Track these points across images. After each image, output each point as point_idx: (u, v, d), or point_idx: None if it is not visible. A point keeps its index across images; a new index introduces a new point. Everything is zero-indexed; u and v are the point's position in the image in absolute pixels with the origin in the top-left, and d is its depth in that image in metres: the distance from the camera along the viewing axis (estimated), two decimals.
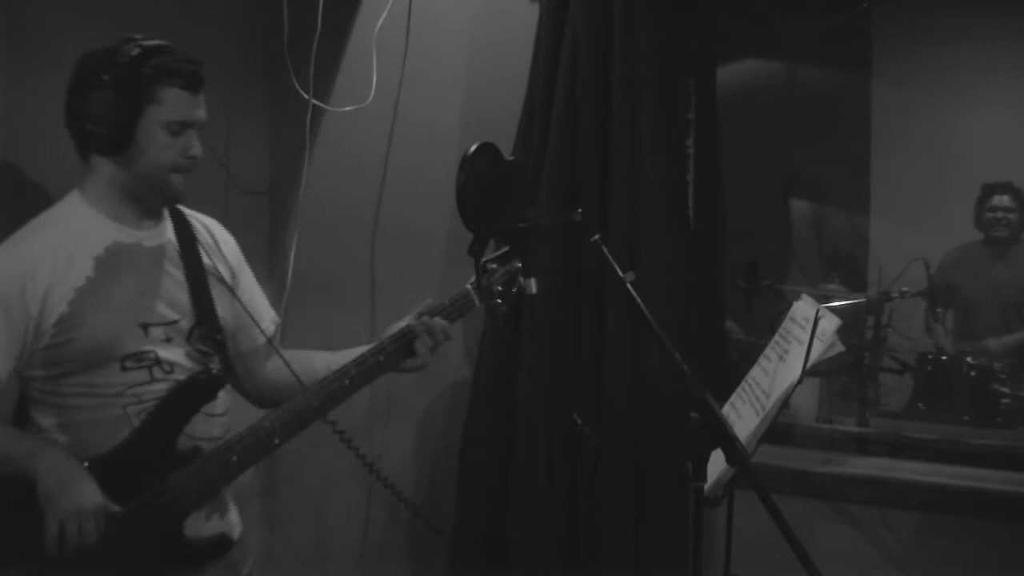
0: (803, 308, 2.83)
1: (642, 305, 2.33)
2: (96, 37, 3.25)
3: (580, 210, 2.52)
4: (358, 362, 2.65)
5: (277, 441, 2.55)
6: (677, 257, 3.49)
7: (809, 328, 2.62)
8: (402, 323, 2.73)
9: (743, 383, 2.93)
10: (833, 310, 2.72)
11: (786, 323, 2.88)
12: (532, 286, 2.30)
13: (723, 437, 2.14)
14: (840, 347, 2.67)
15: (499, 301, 2.77)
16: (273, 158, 4.19)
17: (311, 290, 4.06)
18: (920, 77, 6.38)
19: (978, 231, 5.66)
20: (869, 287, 5.69)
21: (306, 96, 3.91)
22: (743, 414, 2.80)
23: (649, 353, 3.46)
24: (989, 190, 5.59)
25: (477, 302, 2.78)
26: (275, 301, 4.06)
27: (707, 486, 2.49)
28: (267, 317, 2.86)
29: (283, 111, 4.09)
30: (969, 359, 4.96)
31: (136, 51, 2.46)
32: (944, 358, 5.10)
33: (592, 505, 3.54)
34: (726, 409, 2.88)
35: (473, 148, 2.27)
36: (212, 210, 3.73)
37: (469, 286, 2.77)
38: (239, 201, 3.92)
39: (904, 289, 4.97)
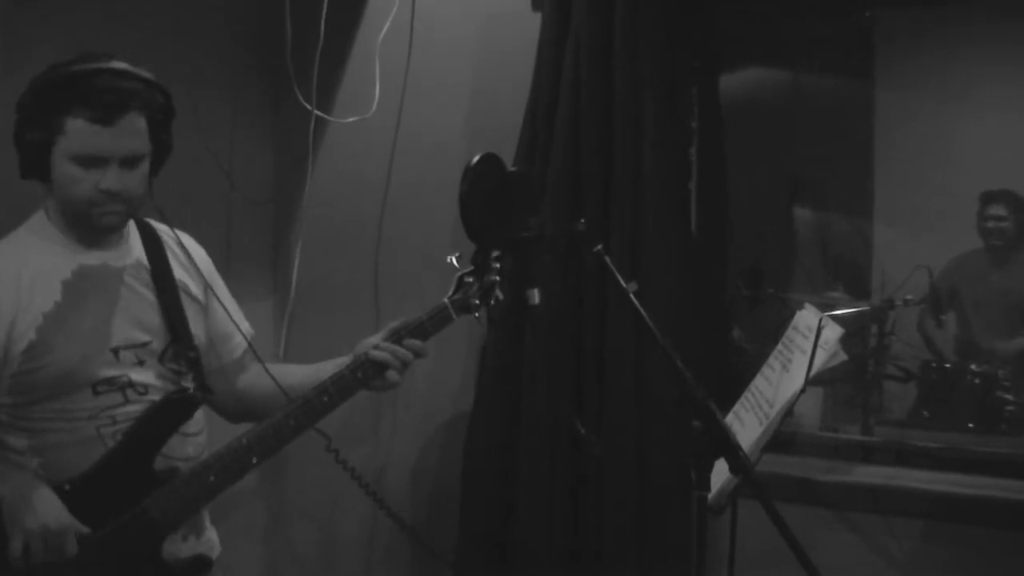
0: (806, 317, 2.83)
1: (645, 314, 2.33)
2: (97, 44, 3.28)
3: (583, 220, 2.51)
4: (335, 379, 2.60)
5: (255, 460, 2.50)
6: (680, 265, 3.49)
7: (812, 337, 2.62)
8: (374, 340, 2.67)
9: (746, 392, 2.93)
10: (836, 319, 2.72)
11: (789, 332, 2.88)
12: (535, 296, 2.30)
13: (726, 446, 2.15)
14: (843, 356, 2.67)
15: (477, 315, 2.73)
16: (277, 168, 4.19)
17: (315, 299, 4.06)
18: (924, 83, 6.37)
19: (981, 238, 5.66)
20: (873, 295, 5.68)
21: (308, 107, 3.91)
22: (746, 423, 2.80)
23: (652, 362, 3.46)
24: (985, 199, 5.59)
25: (454, 316, 2.72)
26: (279, 310, 4.08)
27: (711, 495, 2.50)
28: (240, 331, 2.75)
29: (286, 121, 4.10)
30: (973, 366, 4.96)
31: (50, 77, 2.35)
32: (948, 366, 5.10)
33: (595, 513, 3.54)
34: (729, 418, 2.88)
35: (476, 158, 2.28)
36: (216, 220, 3.77)
37: (446, 300, 2.71)
38: (243, 211, 3.93)
39: (908, 297, 4.97)
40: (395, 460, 3.99)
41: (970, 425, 4.76)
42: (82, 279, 2.44)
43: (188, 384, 2.54)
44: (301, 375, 2.71)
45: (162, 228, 2.65)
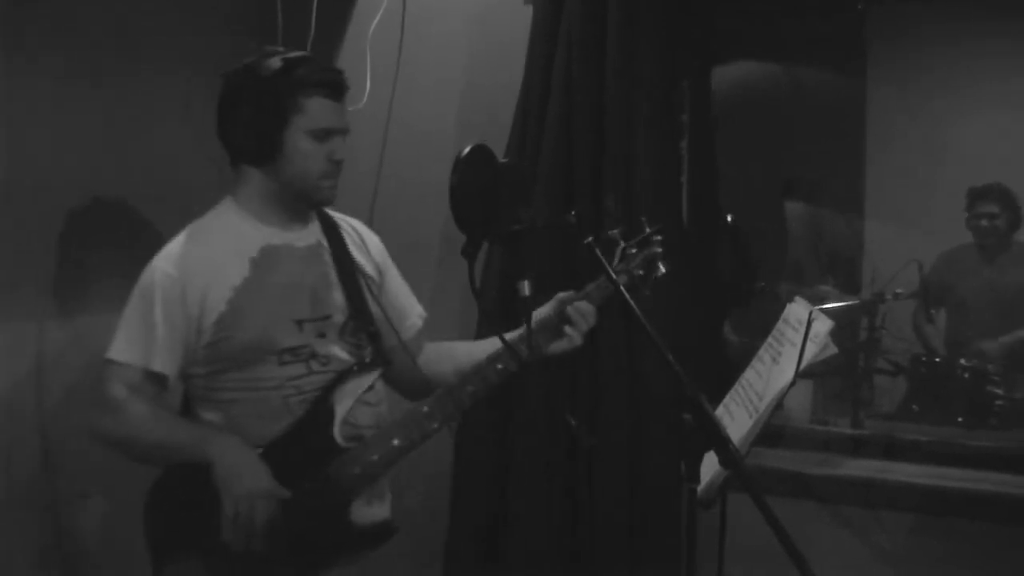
0: (796, 310, 2.83)
1: (636, 307, 2.33)
2: (94, 39, 3.28)
3: (574, 212, 2.51)
4: (509, 346, 2.66)
5: (435, 425, 2.64)
6: (671, 258, 3.49)
7: (802, 330, 2.62)
8: (544, 309, 2.76)
9: (736, 385, 2.93)
10: (826, 312, 2.72)
11: (779, 325, 2.88)
12: (526, 288, 2.30)
13: (716, 439, 2.14)
14: (833, 349, 2.67)
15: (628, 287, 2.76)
16: None
17: None
18: (915, 79, 6.38)
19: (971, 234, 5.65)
20: (863, 289, 5.68)
21: None
22: (736, 416, 2.80)
23: (644, 355, 3.46)
24: (975, 195, 5.55)
25: (617, 287, 2.76)
26: None
27: (700, 488, 2.50)
28: (414, 313, 2.96)
29: None
30: (963, 361, 4.96)
31: (278, 64, 2.57)
32: (938, 360, 5.10)
33: (588, 506, 3.55)
34: (719, 411, 2.88)
35: (467, 150, 2.27)
36: (204, 211, 3.75)
37: (615, 270, 2.75)
38: None
39: (898, 291, 4.96)
40: None
41: (960, 419, 4.76)
42: (269, 256, 2.64)
43: (368, 355, 2.71)
44: (471, 350, 2.83)
45: (338, 215, 2.85)
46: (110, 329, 3.35)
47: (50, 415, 3.24)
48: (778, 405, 2.68)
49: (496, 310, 3.48)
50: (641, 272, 2.80)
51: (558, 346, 2.75)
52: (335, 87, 2.63)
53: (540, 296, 2.61)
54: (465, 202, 2.26)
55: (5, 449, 3.16)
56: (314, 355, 2.63)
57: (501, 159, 2.37)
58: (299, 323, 2.62)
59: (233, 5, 3.89)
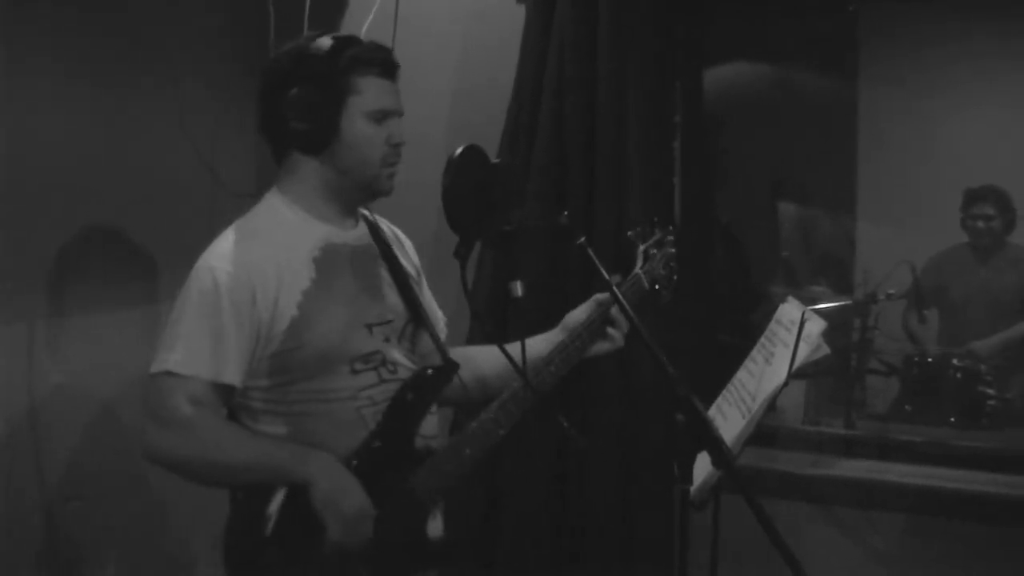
0: (789, 310, 2.83)
1: (627, 307, 2.33)
2: (83, 37, 3.27)
3: (566, 212, 2.51)
4: (559, 349, 2.63)
5: (502, 431, 2.50)
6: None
7: (794, 330, 2.62)
8: (580, 312, 2.73)
9: (729, 385, 2.93)
10: (819, 312, 2.72)
11: (772, 325, 2.88)
12: (518, 288, 2.29)
13: (709, 440, 2.14)
14: (826, 349, 2.67)
15: (657, 287, 2.80)
16: (260, 159, 4.17)
17: None
18: (907, 79, 6.39)
19: (964, 234, 5.66)
20: (855, 289, 5.69)
21: None
22: (729, 416, 2.80)
23: (636, 355, 3.46)
24: (971, 197, 5.56)
25: (646, 286, 2.77)
26: None
27: (693, 489, 2.50)
28: (440, 320, 2.80)
29: None
30: (955, 361, 4.97)
31: (329, 43, 2.43)
32: (930, 360, 5.11)
33: (579, 507, 3.55)
34: (712, 411, 2.88)
35: (459, 150, 2.27)
36: (199, 213, 3.75)
37: (639, 271, 2.76)
38: (226, 204, 3.90)
39: (890, 291, 4.97)
40: None
41: (952, 419, 4.78)
42: (331, 256, 2.47)
43: (434, 361, 2.57)
44: (489, 355, 2.71)
45: (372, 215, 2.68)
46: (103, 329, 3.37)
47: (43, 418, 3.23)
48: (771, 406, 2.68)
49: (488, 311, 3.48)
50: (663, 272, 2.80)
51: (601, 347, 2.71)
52: (388, 66, 2.48)
53: (532, 297, 2.60)
54: (457, 203, 2.25)
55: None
56: (384, 362, 2.47)
57: (493, 160, 2.36)
58: (369, 327, 2.47)
59: (223, 6, 3.89)
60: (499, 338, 2.46)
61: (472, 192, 2.27)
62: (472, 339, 3.63)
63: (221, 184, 3.86)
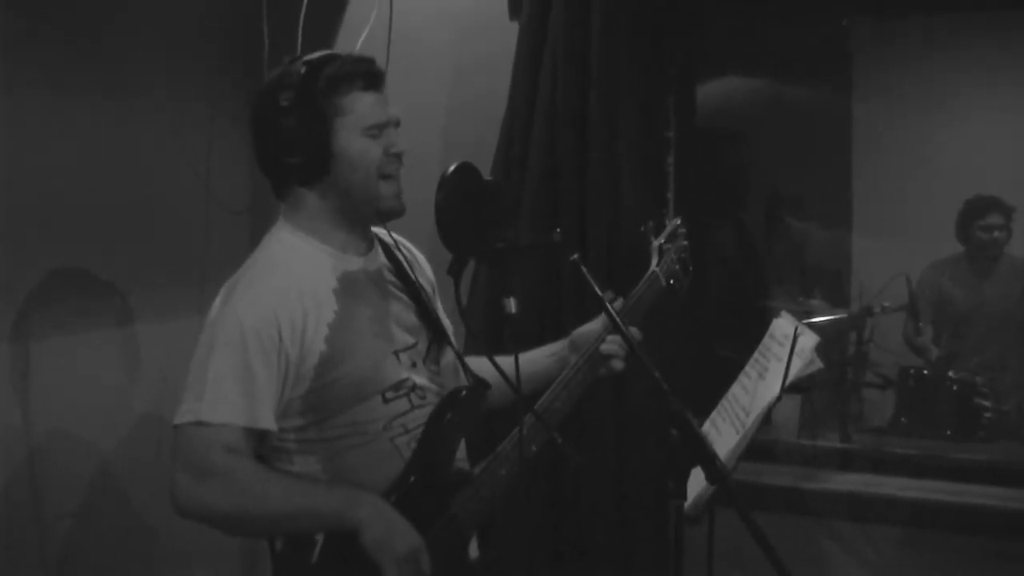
0: (782, 325, 2.83)
1: (621, 323, 2.33)
2: (78, 55, 3.27)
3: (559, 229, 2.50)
4: (563, 384, 2.57)
5: (534, 448, 2.46)
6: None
7: (788, 345, 2.62)
8: (595, 327, 2.69)
9: (723, 400, 2.93)
10: (813, 326, 2.72)
11: (766, 340, 2.88)
12: (512, 305, 2.29)
13: (703, 455, 2.14)
14: (819, 364, 2.67)
15: (672, 282, 2.78)
16: (254, 175, 4.17)
17: None
18: (900, 91, 6.41)
19: (960, 245, 5.66)
20: (851, 302, 5.70)
21: None
22: (723, 431, 2.80)
23: (630, 371, 3.46)
24: (982, 207, 5.54)
25: (664, 283, 2.74)
26: None
27: (688, 504, 2.50)
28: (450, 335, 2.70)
29: None
30: (951, 373, 4.98)
31: (302, 68, 2.34)
32: (926, 373, 5.11)
33: (574, 524, 3.54)
34: (706, 426, 2.88)
35: (452, 167, 2.27)
36: (192, 229, 3.75)
37: (655, 269, 2.73)
38: (220, 219, 3.91)
39: (885, 304, 4.98)
40: None
41: (948, 432, 4.78)
42: (349, 285, 2.40)
43: (457, 382, 2.51)
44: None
45: (382, 232, 2.60)
46: (99, 346, 3.37)
47: (38, 433, 3.23)
48: (766, 420, 2.68)
49: (483, 328, 3.48)
50: (678, 267, 2.78)
51: (601, 373, 2.66)
52: (371, 77, 2.38)
53: (527, 313, 2.60)
54: (451, 220, 2.25)
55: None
56: (414, 387, 2.40)
57: (487, 177, 2.37)
58: (396, 354, 2.40)
59: (217, 20, 3.89)
60: (494, 354, 2.44)
61: (465, 209, 2.27)
62: (467, 355, 3.63)
63: (215, 200, 3.87)
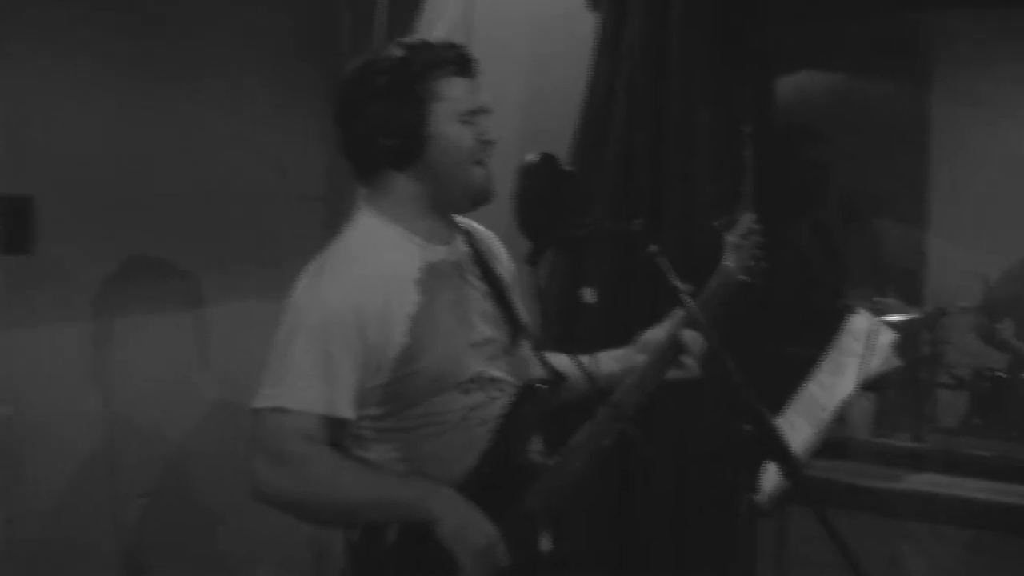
0: (859, 322, 2.82)
1: (699, 315, 2.32)
2: (144, 37, 3.30)
3: (638, 220, 2.49)
4: (638, 382, 2.53)
5: (607, 441, 2.43)
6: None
7: (865, 342, 2.60)
8: (660, 332, 2.65)
9: (798, 396, 2.92)
10: (889, 324, 2.71)
11: (842, 336, 2.86)
12: (590, 295, 2.29)
13: (777, 450, 2.13)
14: (896, 361, 2.66)
15: (744, 278, 2.74)
16: (330, 163, 4.20)
17: None
18: (981, 90, 6.32)
19: None
20: (926, 301, 5.63)
21: None
22: (797, 427, 2.79)
23: (707, 364, 3.45)
24: None
25: (737, 279, 2.71)
26: None
27: (760, 498, 2.49)
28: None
29: None
30: None
31: (400, 52, 2.35)
32: (1000, 374, 5.05)
33: (641, 514, 3.54)
34: (780, 422, 2.87)
35: (531, 157, 2.27)
36: (265, 215, 3.78)
37: (729, 264, 2.71)
38: (293, 206, 3.94)
39: (962, 304, 4.92)
40: None
41: (1022, 434, 4.72)
42: (431, 276, 2.37)
43: (533, 374, 2.48)
44: (561, 364, 2.59)
45: (466, 222, 2.59)
46: (173, 327, 3.41)
47: (118, 413, 3.27)
48: (840, 417, 2.67)
49: (558, 318, 3.48)
50: (751, 263, 2.74)
51: (674, 374, 2.60)
52: (465, 63, 2.39)
53: (603, 304, 2.60)
54: (529, 209, 2.26)
55: (71, 448, 3.20)
56: (492, 380, 2.38)
57: (565, 167, 2.36)
58: (475, 346, 2.38)
59: (294, 10, 3.91)
60: (569, 345, 2.43)
61: (544, 198, 2.27)
62: (541, 345, 3.64)
63: (290, 187, 3.89)
